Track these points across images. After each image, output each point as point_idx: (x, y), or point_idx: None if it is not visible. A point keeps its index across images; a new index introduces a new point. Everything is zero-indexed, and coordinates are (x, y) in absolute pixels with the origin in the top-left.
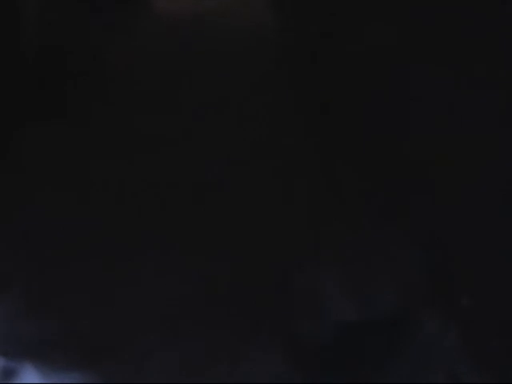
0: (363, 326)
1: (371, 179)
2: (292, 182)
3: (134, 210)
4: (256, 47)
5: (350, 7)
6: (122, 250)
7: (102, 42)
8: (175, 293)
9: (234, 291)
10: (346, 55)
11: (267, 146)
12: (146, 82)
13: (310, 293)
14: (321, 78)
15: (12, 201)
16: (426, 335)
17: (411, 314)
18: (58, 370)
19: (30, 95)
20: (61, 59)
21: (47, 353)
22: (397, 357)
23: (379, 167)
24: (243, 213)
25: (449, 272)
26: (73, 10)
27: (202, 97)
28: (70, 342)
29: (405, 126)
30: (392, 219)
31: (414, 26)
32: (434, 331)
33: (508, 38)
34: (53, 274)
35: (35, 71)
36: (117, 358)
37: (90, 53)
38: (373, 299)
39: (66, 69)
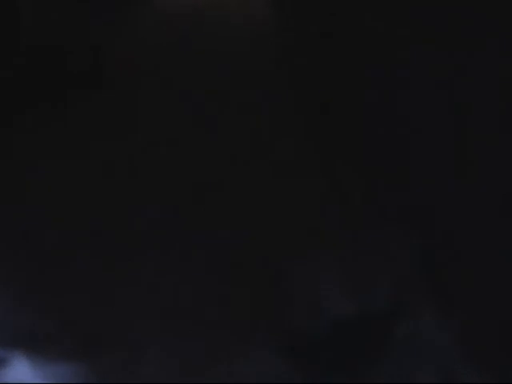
0: (363, 326)
1: (371, 179)
2: (292, 182)
3: (134, 210)
4: (256, 45)
5: (349, 7)
6: (122, 250)
7: (102, 38)
8: (174, 292)
9: (234, 291)
10: (346, 55)
11: (267, 145)
12: (145, 81)
13: (310, 293)
14: (321, 77)
15: (12, 201)
16: (426, 335)
17: (411, 313)
18: (50, 361)
19: (30, 95)
20: (61, 56)
21: (40, 343)
22: (396, 356)
23: (379, 167)
24: (243, 213)
25: (449, 272)
26: (73, 7)
27: (202, 95)
28: (64, 335)
29: (405, 125)
30: (392, 219)
31: (415, 26)
32: (434, 331)
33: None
34: (53, 273)
35: (35, 71)
36: (111, 352)
37: (89, 50)
38: (372, 299)
39: (65, 67)
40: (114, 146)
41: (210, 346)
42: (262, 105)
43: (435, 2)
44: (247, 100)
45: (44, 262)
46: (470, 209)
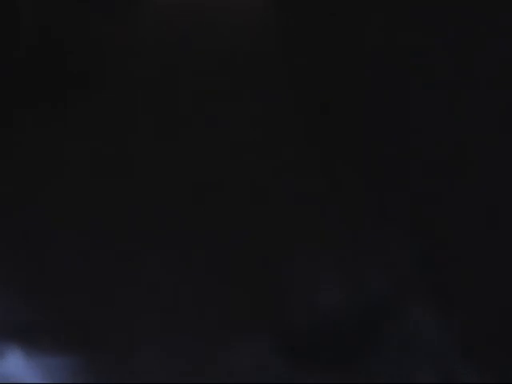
0: (363, 326)
1: (371, 179)
2: (292, 182)
3: (133, 210)
4: (256, 45)
5: (350, 7)
6: (122, 250)
7: (102, 38)
8: (174, 292)
9: (234, 291)
10: (346, 55)
11: (267, 145)
12: (145, 81)
13: (310, 292)
14: (321, 77)
15: (12, 201)
16: (426, 335)
17: (411, 313)
18: (44, 353)
19: (30, 95)
20: (61, 56)
21: (35, 335)
22: (396, 356)
23: (379, 167)
24: (243, 213)
25: (449, 272)
26: (73, 6)
27: (202, 95)
28: (59, 328)
29: (405, 125)
30: (392, 219)
31: (415, 26)
32: (434, 331)
33: (508, 39)
34: (53, 273)
35: (35, 71)
36: (106, 346)
37: (89, 49)
38: (372, 299)
39: (65, 67)
40: (114, 145)
41: (210, 346)
42: (262, 104)
43: (435, 2)
44: (247, 100)
45: (44, 262)
46: (470, 209)
